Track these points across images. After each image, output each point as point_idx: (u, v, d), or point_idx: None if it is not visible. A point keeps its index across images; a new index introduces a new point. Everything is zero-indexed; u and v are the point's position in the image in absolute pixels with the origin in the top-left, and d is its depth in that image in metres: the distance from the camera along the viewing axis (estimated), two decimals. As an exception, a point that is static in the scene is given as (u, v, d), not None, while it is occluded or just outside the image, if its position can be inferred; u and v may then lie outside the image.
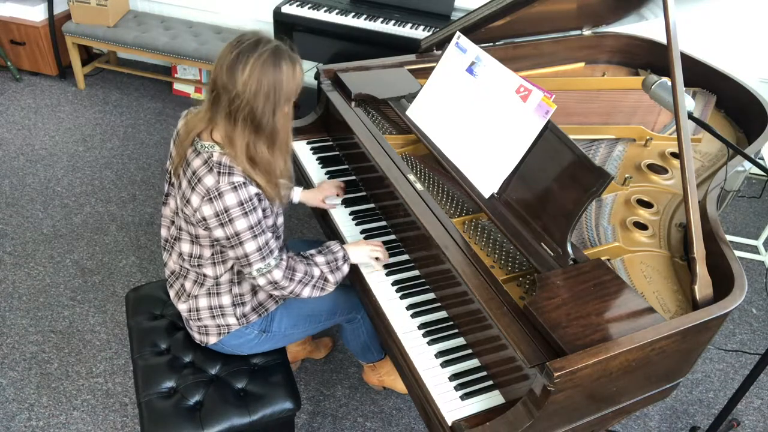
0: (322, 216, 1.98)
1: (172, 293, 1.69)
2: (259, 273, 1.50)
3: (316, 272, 1.59)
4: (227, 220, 1.41)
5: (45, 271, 2.62)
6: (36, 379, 2.21)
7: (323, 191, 1.92)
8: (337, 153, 2.16)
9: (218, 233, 1.43)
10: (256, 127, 1.41)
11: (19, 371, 2.22)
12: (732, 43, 3.22)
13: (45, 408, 2.12)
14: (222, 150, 1.43)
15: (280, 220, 1.62)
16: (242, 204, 1.40)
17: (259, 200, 1.45)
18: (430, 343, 1.54)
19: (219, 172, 1.40)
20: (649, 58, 2.56)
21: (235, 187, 1.39)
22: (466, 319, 1.53)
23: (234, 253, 1.47)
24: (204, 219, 1.42)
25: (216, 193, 1.39)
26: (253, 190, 1.43)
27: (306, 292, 1.59)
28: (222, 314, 1.62)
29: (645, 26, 2.47)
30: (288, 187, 1.88)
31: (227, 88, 1.37)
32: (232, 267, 1.56)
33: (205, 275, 1.57)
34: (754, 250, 3.13)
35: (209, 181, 1.40)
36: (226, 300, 1.61)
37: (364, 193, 1.99)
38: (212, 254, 1.53)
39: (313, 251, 1.65)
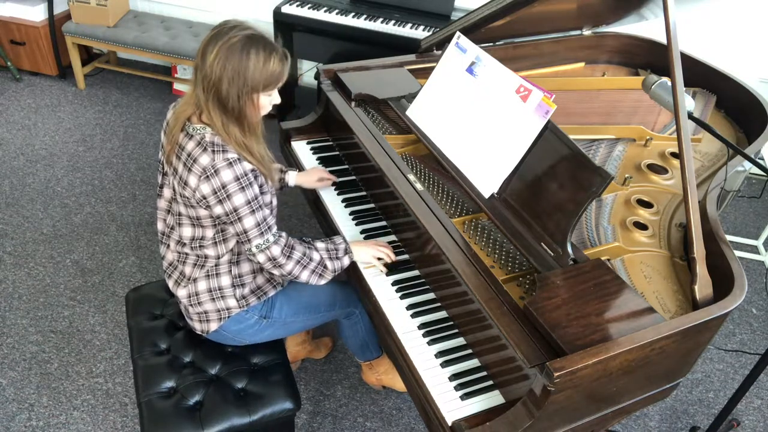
0: (322, 215, 1.98)
1: (171, 283, 1.70)
2: (258, 249, 1.53)
3: (316, 257, 1.62)
4: (225, 196, 1.44)
5: (45, 271, 2.62)
6: (36, 379, 2.21)
7: (317, 172, 1.97)
8: (337, 153, 2.16)
9: (218, 210, 1.47)
10: (224, 108, 1.45)
11: (19, 371, 2.22)
12: (732, 43, 3.22)
13: (45, 408, 2.12)
14: (213, 131, 1.47)
15: (275, 201, 1.64)
16: (238, 179, 1.44)
17: (255, 176, 1.49)
18: (430, 343, 1.54)
19: (213, 151, 1.44)
20: (649, 58, 2.56)
21: (231, 163, 1.43)
22: (466, 319, 1.53)
23: (234, 229, 1.51)
24: (204, 197, 1.46)
25: (212, 171, 1.43)
26: (248, 166, 1.47)
27: (304, 276, 1.61)
28: (222, 296, 1.63)
29: (645, 26, 2.47)
30: (279, 170, 1.90)
31: (200, 68, 1.43)
32: (232, 248, 1.59)
33: (206, 256, 1.59)
34: (754, 250, 3.13)
35: (204, 160, 1.44)
36: (225, 281, 1.62)
37: (364, 193, 1.99)
38: (214, 234, 1.56)
39: (316, 239, 1.68)
